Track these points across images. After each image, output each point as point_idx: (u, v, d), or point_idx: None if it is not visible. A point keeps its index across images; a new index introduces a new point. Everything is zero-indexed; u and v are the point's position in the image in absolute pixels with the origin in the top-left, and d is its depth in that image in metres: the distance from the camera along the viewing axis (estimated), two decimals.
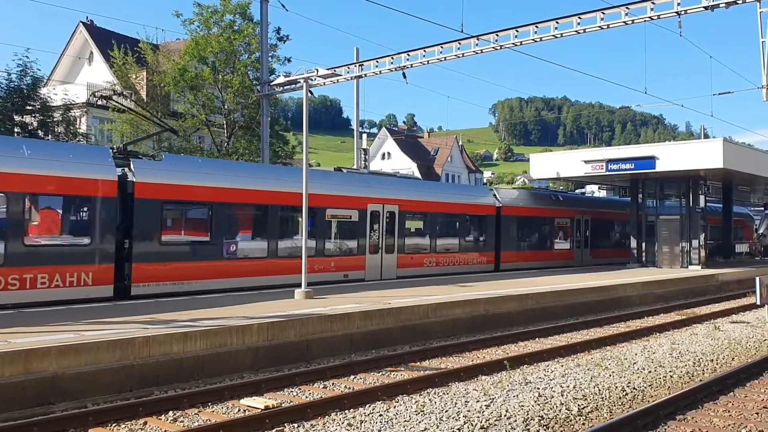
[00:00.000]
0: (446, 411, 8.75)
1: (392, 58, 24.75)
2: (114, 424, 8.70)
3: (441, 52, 23.72)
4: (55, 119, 27.27)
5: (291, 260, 19.40)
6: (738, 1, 18.59)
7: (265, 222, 20.04)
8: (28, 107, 25.93)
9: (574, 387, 10.04)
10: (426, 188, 27.23)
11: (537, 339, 15.77)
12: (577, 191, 45.41)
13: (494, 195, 29.30)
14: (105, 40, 40.74)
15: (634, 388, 10.20)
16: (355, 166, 34.96)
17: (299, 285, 16.61)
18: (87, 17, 44.58)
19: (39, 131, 26.05)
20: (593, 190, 53.60)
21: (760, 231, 44.52)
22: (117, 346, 10.18)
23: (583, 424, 8.53)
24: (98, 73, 40.74)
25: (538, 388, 9.93)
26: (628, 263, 32.10)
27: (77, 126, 30.53)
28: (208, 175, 18.66)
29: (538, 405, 9.02)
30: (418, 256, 24.62)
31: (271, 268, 19.58)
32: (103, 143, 34.00)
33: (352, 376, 11.62)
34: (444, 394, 9.87)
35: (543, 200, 32.22)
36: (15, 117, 25.56)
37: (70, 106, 29.07)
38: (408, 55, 24.34)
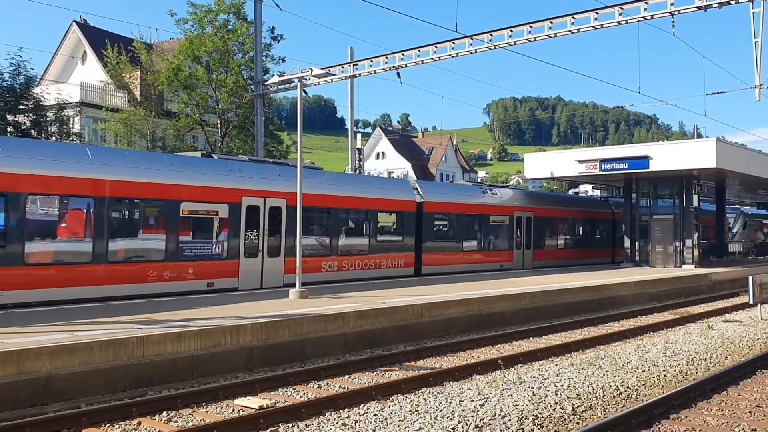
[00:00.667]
0: (441, 410, 8.75)
1: (387, 57, 24.75)
2: (108, 425, 8.67)
3: (435, 52, 23.73)
4: (48, 119, 27.19)
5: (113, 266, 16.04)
6: (731, 2, 18.65)
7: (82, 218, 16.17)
8: (21, 107, 25.83)
9: (568, 386, 10.05)
10: (325, 180, 23.13)
11: (531, 338, 15.79)
12: (570, 191, 45.41)
13: (416, 189, 25.95)
14: (98, 39, 40.65)
15: (628, 387, 10.22)
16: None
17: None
18: (80, 16, 44.49)
19: (32, 131, 25.96)
20: (587, 190, 53.82)
21: (734, 230, 44.58)
22: (110, 346, 10.15)
23: (578, 423, 8.55)
24: (92, 73, 40.64)
25: (533, 388, 9.94)
26: (615, 263, 32.08)
27: (70, 125, 30.43)
28: None
29: (533, 404, 9.03)
30: (313, 259, 20.93)
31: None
32: (97, 143, 33.93)
33: (347, 376, 11.61)
34: (438, 393, 9.87)
35: (475, 195, 29.07)
36: (8, 116, 25.45)
37: (63, 106, 28.98)
38: (402, 54, 24.34)
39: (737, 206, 46.21)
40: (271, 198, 19.84)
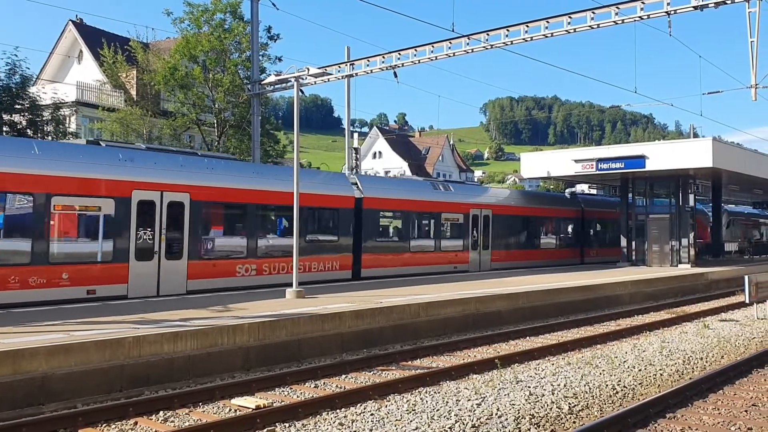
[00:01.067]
0: (437, 410, 8.75)
1: (383, 57, 24.72)
2: (104, 425, 8.65)
3: (432, 52, 23.72)
4: (44, 118, 27.13)
5: None
6: (727, 1, 18.68)
7: None
8: (17, 106, 25.77)
9: (564, 385, 10.06)
10: (242, 171, 20.72)
11: (528, 338, 15.81)
12: (566, 191, 45.19)
13: (355, 183, 23.80)
14: (95, 38, 40.55)
15: (624, 387, 10.24)
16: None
17: None
18: (76, 16, 44.39)
19: (28, 130, 25.90)
20: (583, 189, 53.83)
21: None
22: (107, 346, 10.13)
23: (574, 422, 8.56)
24: (88, 72, 40.57)
25: (529, 387, 9.95)
26: (584, 264, 31.51)
27: (67, 125, 30.37)
28: None
29: (529, 403, 9.04)
30: (225, 262, 19.09)
31: None
32: None
33: (344, 376, 11.61)
34: (435, 393, 9.87)
35: (425, 191, 26.69)
36: (4, 116, 25.39)
37: (59, 105, 28.92)
38: (399, 54, 24.32)
39: (722, 205, 45.22)
40: (170, 192, 17.48)
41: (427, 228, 26.49)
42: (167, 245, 17.40)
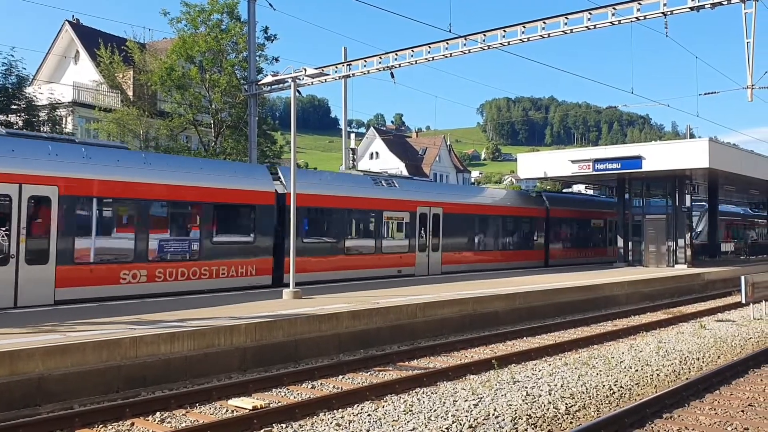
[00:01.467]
0: (435, 410, 8.76)
1: (380, 57, 24.73)
2: (101, 425, 8.64)
3: (429, 52, 23.72)
4: (40, 118, 27.09)
5: None
6: (723, 2, 18.72)
7: None
8: (13, 106, 25.74)
9: (561, 386, 10.07)
10: (131, 161, 17.61)
11: (525, 338, 15.83)
12: (564, 191, 45.14)
13: (278, 177, 21.42)
14: (91, 39, 40.50)
15: (621, 387, 10.26)
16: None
17: None
18: (73, 16, 44.34)
19: (24, 131, 25.83)
20: (580, 190, 53.92)
21: (698, 229, 44.24)
22: (104, 347, 10.12)
23: (571, 422, 8.57)
24: (84, 73, 40.50)
25: (526, 387, 9.96)
26: (548, 267, 30.34)
27: (63, 125, 30.32)
28: None
29: (526, 404, 9.05)
30: (106, 267, 16.46)
31: None
32: None
33: (341, 376, 11.61)
34: (432, 393, 9.87)
35: (363, 186, 24.00)
36: (0, 116, 25.35)
37: (55, 105, 28.88)
38: (396, 54, 24.33)
39: (703, 203, 43.65)
40: (33, 185, 15.00)
41: (366, 227, 24.09)
42: (28, 248, 14.91)
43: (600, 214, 36.91)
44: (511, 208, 31.11)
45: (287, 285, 16.92)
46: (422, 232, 25.54)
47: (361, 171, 26.70)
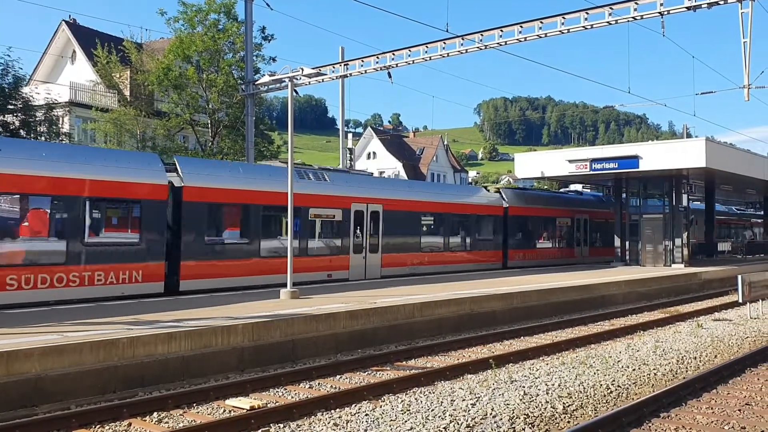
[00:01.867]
0: (432, 410, 8.75)
1: (377, 57, 24.74)
2: (98, 426, 8.63)
3: (426, 52, 23.74)
4: (37, 119, 27.04)
5: None
6: (720, 2, 18.75)
7: None
8: (10, 106, 25.68)
9: (559, 385, 10.08)
10: None
11: (522, 338, 15.83)
12: (561, 190, 44.97)
13: (174, 168, 18.51)
14: (88, 39, 40.47)
15: (618, 386, 10.26)
16: (340, 166, 34.25)
17: None
18: (70, 16, 44.29)
19: (21, 131, 25.81)
20: (577, 189, 53.94)
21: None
22: (101, 347, 10.10)
23: (569, 422, 8.57)
24: (81, 73, 40.46)
25: (524, 387, 9.96)
26: (506, 269, 28.63)
27: (60, 125, 30.28)
28: None
29: (524, 403, 9.05)
30: None
31: None
32: (86, 143, 33.77)
33: (338, 376, 11.60)
34: (430, 393, 9.87)
35: (283, 179, 18.87)
36: None
37: (52, 106, 28.82)
38: (393, 54, 24.34)
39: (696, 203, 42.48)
40: None
41: (286, 227, 19.94)
42: None
43: (568, 212, 35.00)
44: (463, 205, 28.78)
45: (184, 293, 15.55)
46: (358, 231, 23.14)
47: (284, 162, 23.27)
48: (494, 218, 30.05)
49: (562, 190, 43.86)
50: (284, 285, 16.92)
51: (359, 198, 23.28)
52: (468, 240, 28.60)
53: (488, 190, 32.91)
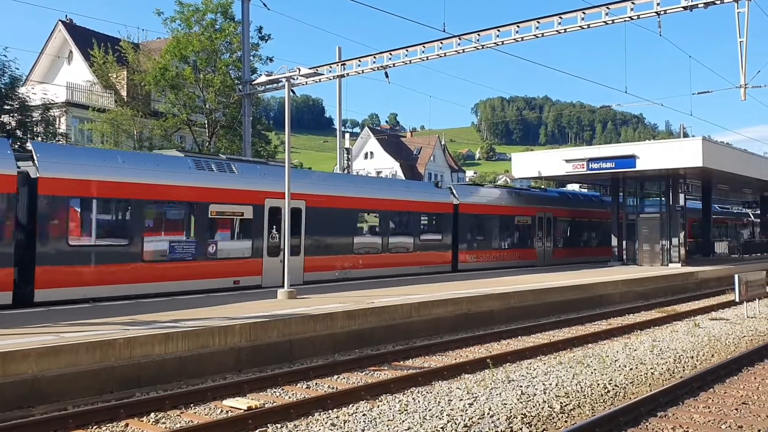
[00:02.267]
0: (430, 410, 8.75)
1: (374, 57, 24.76)
2: (95, 426, 8.61)
3: (423, 52, 23.77)
4: (33, 119, 26.99)
5: None
6: (716, 2, 18.80)
7: None
8: (6, 107, 25.64)
9: (556, 385, 10.08)
10: None
11: (519, 337, 15.84)
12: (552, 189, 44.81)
13: (31, 155, 15.62)
14: (85, 39, 40.36)
15: (615, 386, 10.27)
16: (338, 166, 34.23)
17: None
18: (66, 16, 44.20)
19: (17, 131, 25.76)
20: (574, 189, 53.99)
21: None
22: (97, 348, 10.08)
23: (566, 421, 8.58)
24: (78, 73, 40.38)
25: (521, 386, 9.96)
26: (456, 271, 26.61)
27: (57, 126, 30.23)
28: None
29: (521, 403, 9.05)
30: None
31: None
32: (83, 143, 33.71)
33: (336, 376, 11.59)
34: (427, 392, 9.87)
35: (178, 171, 18.09)
36: None
37: (49, 106, 28.78)
38: (390, 54, 24.37)
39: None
40: None
41: (179, 225, 19.05)
42: None
43: (529, 210, 32.31)
44: (405, 202, 25.66)
45: (42, 304, 14.05)
46: (275, 231, 20.31)
47: (182, 152, 21.05)
48: (443, 216, 27.43)
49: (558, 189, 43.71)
50: (187, 293, 15.71)
51: (275, 193, 19.59)
52: (411, 240, 25.79)
53: (439, 187, 30.19)
